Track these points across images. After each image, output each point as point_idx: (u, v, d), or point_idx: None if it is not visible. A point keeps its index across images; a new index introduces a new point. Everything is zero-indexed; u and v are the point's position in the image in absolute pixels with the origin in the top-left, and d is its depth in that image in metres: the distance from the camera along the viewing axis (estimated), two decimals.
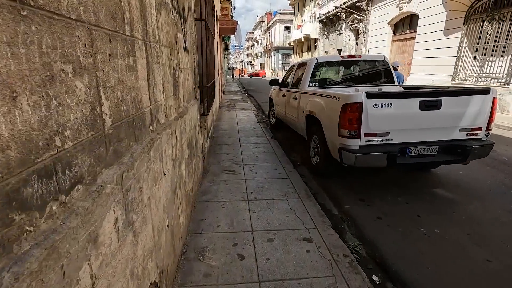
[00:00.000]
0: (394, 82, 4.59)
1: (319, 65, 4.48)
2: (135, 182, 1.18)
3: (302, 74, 4.68)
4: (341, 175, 3.86)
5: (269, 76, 45.78)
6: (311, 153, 4.07)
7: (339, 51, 21.40)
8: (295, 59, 36.01)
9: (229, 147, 5.07)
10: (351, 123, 2.88)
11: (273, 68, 45.62)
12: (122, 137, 1.12)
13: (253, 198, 3.07)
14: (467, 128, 3.05)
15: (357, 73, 4.61)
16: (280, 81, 6.17)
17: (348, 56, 4.49)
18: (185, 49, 2.65)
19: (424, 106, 2.88)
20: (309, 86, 4.42)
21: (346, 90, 4.03)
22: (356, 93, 2.87)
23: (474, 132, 3.07)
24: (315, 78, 4.49)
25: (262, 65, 60.53)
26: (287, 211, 2.80)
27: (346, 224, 2.74)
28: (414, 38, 13.25)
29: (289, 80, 5.64)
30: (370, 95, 2.82)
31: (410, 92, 2.92)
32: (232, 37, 21.16)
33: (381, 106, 2.84)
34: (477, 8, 9.83)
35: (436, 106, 2.90)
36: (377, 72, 4.60)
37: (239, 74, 43.31)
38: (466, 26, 10.28)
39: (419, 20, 12.84)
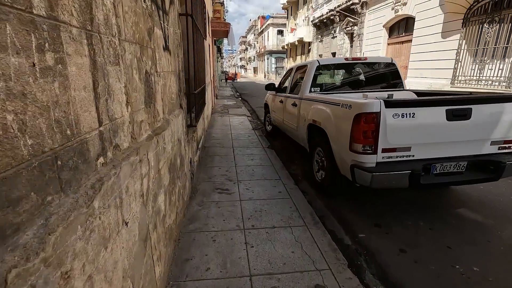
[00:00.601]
0: (403, 87, 4.17)
1: (321, 68, 4.03)
2: (50, 272, 0.68)
3: (302, 78, 4.23)
4: (350, 193, 3.39)
5: (257, 79, 45.43)
6: (315, 167, 3.59)
7: (333, 54, 21.17)
8: (288, 63, 35.75)
9: (222, 159, 4.56)
10: (366, 136, 2.41)
11: (268, 72, 45.34)
12: (20, 196, 0.62)
13: (250, 226, 2.57)
14: (499, 141, 2.61)
15: (362, 77, 4.17)
16: (276, 86, 5.71)
17: (353, 58, 4.05)
18: (166, 48, 2.16)
19: (451, 116, 2.43)
20: (310, 91, 3.97)
21: (355, 97, 3.59)
22: (372, 100, 2.41)
23: (507, 145, 2.64)
24: (316, 83, 4.04)
25: (255, 69, 60.33)
26: (292, 244, 2.30)
27: (364, 260, 2.26)
28: (410, 41, 13.03)
29: (286, 84, 5.18)
30: (389, 103, 2.36)
31: (437, 100, 2.47)
32: (225, 41, 20.74)
33: (402, 116, 2.38)
34: (476, 10, 9.59)
35: (466, 115, 2.46)
36: (384, 76, 4.18)
37: (232, 78, 42.86)
38: (464, 28, 10.04)
39: (415, 22, 12.62)
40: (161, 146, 1.84)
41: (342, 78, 4.23)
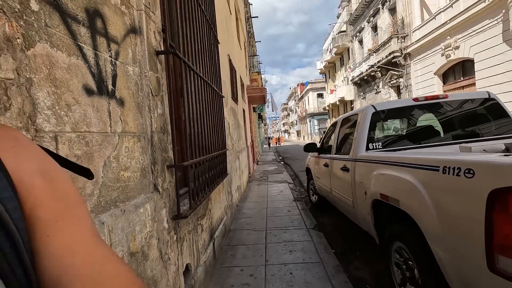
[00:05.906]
0: None
1: (379, 116, 2.81)
2: None
3: (352, 133, 3.02)
4: None
5: (300, 142, 44.76)
6: (396, 276, 2.08)
7: None
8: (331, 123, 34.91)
9: (248, 251, 3.24)
10: None
11: (310, 133, 44.86)
12: None
13: None
14: None
15: (448, 123, 2.81)
16: (318, 146, 4.53)
17: (427, 98, 2.78)
18: (105, 92, 1.22)
19: None
20: (367, 149, 2.70)
21: (449, 151, 2.23)
22: None
23: None
24: (375, 137, 2.78)
25: (298, 132, 60.77)
26: None
27: None
28: (474, 84, 11.28)
29: (331, 143, 3.99)
30: None
31: None
32: (267, 110, 21.02)
33: None
34: None
35: None
36: (483, 118, 2.77)
37: (276, 142, 43.16)
38: None
39: (475, 64, 11.05)
40: None
41: (414, 128, 2.90)
